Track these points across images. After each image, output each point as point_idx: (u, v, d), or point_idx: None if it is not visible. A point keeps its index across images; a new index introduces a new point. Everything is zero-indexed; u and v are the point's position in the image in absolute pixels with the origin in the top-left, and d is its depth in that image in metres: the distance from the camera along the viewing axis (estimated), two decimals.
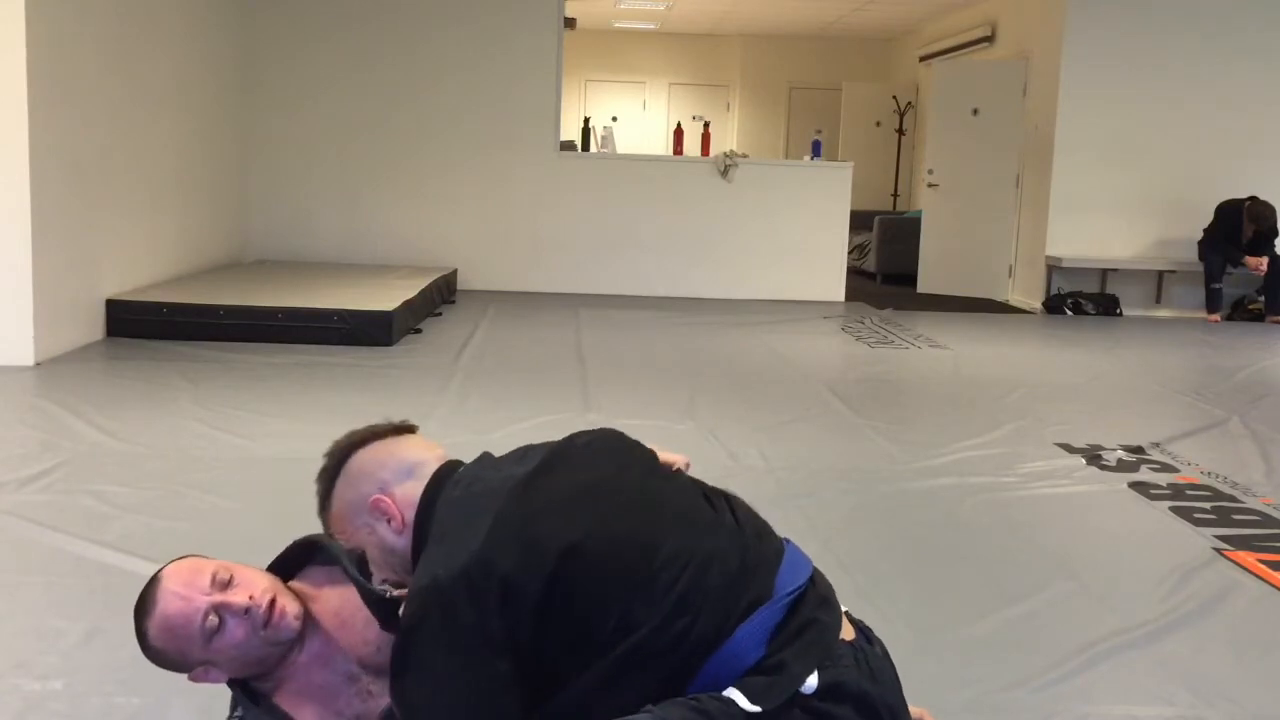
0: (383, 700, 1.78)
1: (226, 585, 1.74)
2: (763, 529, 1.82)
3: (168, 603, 1.72)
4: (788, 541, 1.82)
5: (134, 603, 1.77)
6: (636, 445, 1.88)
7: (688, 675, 1.62)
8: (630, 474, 1.79)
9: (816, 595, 1.75)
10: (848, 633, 1.75)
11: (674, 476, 1.86)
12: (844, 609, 1.80)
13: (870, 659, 1.74)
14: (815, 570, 1.80)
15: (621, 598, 1.60)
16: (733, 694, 1.60)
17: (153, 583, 1.76)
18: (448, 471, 1.78)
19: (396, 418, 1.91)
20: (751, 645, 1.64)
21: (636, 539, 1.65)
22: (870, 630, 1.82)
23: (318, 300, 6.62)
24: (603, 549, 1.62)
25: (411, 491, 1.75)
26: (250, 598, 1.73)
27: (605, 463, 1.79)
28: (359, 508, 1.76)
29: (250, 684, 1.81)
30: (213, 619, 1.71)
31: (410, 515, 1.74)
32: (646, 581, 1.62)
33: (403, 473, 1.77)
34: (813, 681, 1.64)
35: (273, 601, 1.75)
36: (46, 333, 5.57)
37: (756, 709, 1.59)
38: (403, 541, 1.74)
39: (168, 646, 1.73)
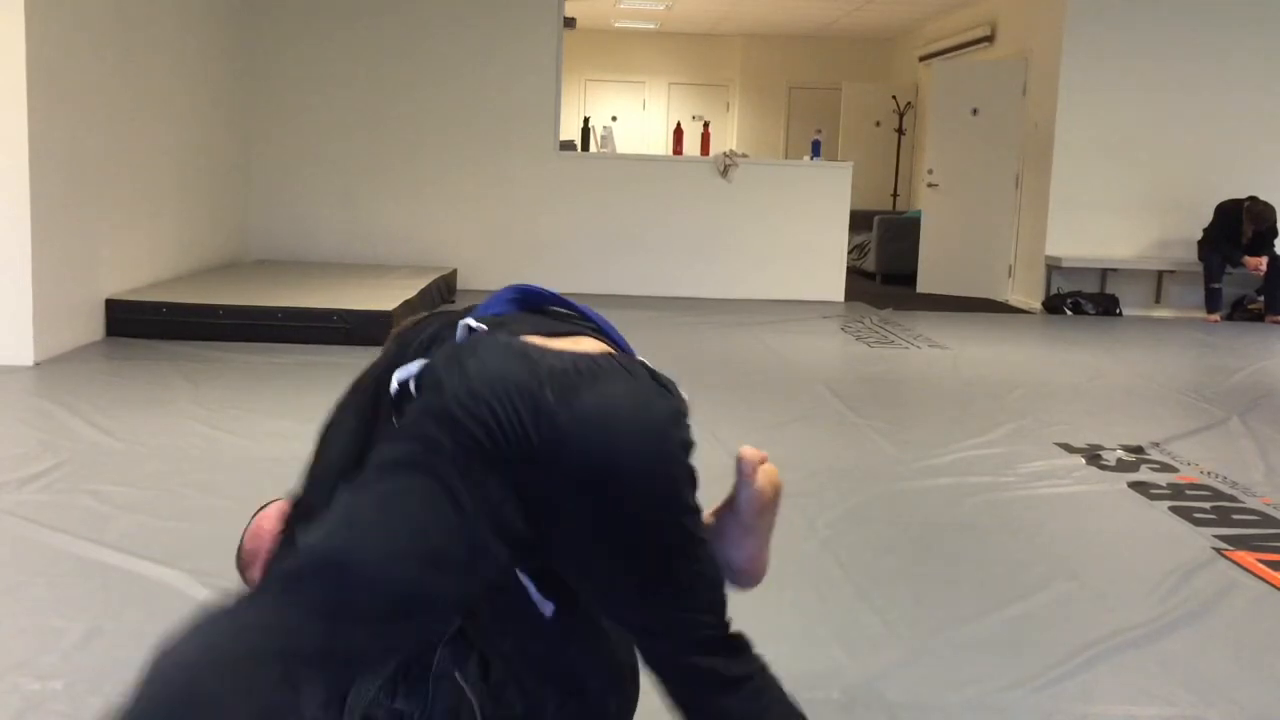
0: None
1: None
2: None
3: (256, 523, 1.98)
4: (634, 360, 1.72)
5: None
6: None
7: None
8: None
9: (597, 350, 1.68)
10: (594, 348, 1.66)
11: None
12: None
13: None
14: (627, 354, 1.72)
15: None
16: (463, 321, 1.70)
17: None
18: None
19: None
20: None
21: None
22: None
23: (318, 300, 6.61)
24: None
25: None
26: None
27: None
28: None
29: None
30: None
31: None
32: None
33: None
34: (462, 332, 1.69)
35: None
36: (46, 332, 5.57)
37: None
38: None
39: (248, 545, 1.96)
